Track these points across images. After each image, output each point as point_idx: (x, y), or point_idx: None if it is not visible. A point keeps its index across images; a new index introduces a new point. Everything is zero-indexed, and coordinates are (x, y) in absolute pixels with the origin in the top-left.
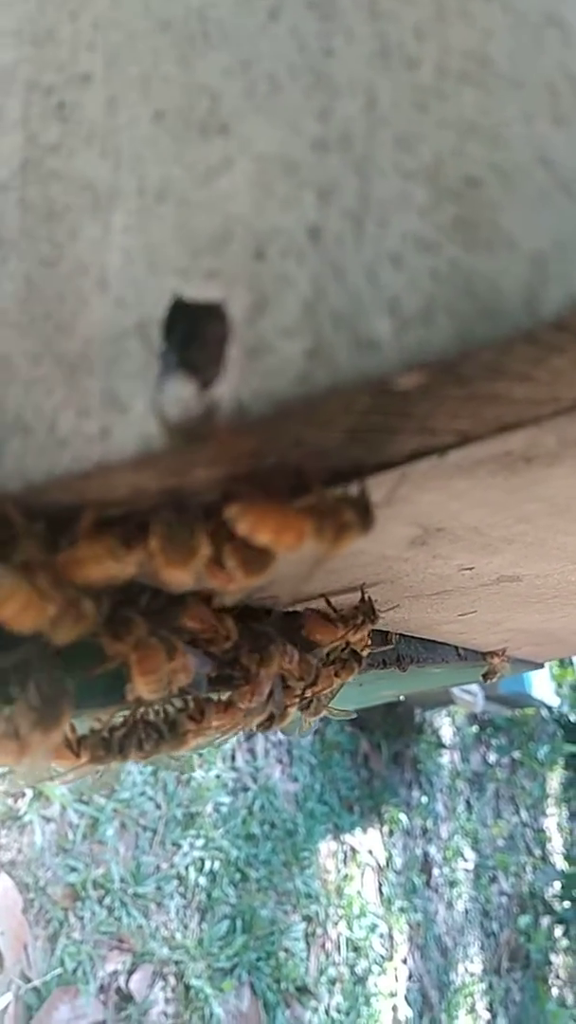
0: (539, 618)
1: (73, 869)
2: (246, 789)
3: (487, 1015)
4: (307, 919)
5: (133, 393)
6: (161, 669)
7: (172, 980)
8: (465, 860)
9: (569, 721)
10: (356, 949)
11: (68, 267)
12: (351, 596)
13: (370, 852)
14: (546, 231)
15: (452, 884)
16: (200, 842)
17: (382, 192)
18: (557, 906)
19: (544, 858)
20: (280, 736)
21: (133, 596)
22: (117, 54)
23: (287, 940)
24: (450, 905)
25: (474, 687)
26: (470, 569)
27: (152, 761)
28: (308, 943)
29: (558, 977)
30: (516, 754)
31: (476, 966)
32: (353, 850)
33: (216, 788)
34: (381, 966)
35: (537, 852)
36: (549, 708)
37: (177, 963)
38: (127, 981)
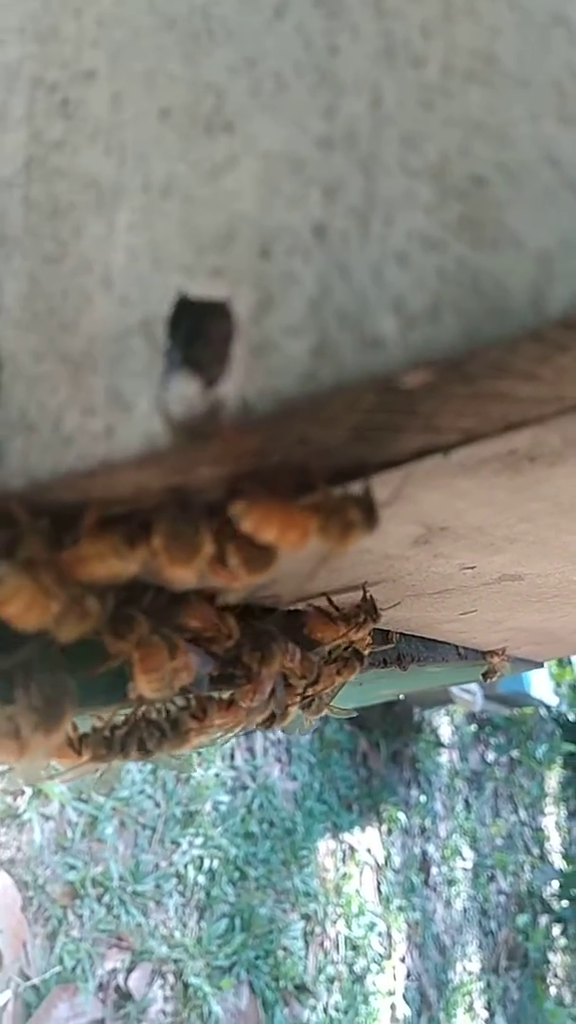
0: (539, 617)
1: (72, 867)
2: (245, 788)
3: (485, 1014)
4: (306, 918)
5: (137, 391)
6: (163, 668)
7: (171, 978)
8: (463, 859)
9: (567, 720)
10: (355, 948)
11: (72, 264)
12: (353, 595)
13: (369, 851)
14: (552, 230)
15: (450, 883)
16: (199, 840)
17: (388, 190)
18: (555, 905)
19: (542, 857)
20: (279, 735)
21: (135, 594)
22: (121, 51)
23: (286, 938)
24: (448, 904)
25: (473, 686)
26: (472, 568)
27: (154, 760)
28: (307, 941)
29: (556, 976)
30: (514, 753)
31: (474, 965)
32: (352, 849)
33: (215, 786)
34: (379, 965)
35: (535, 851)
36: (548, 707)
37: (176, 961)
38: (126, 979)
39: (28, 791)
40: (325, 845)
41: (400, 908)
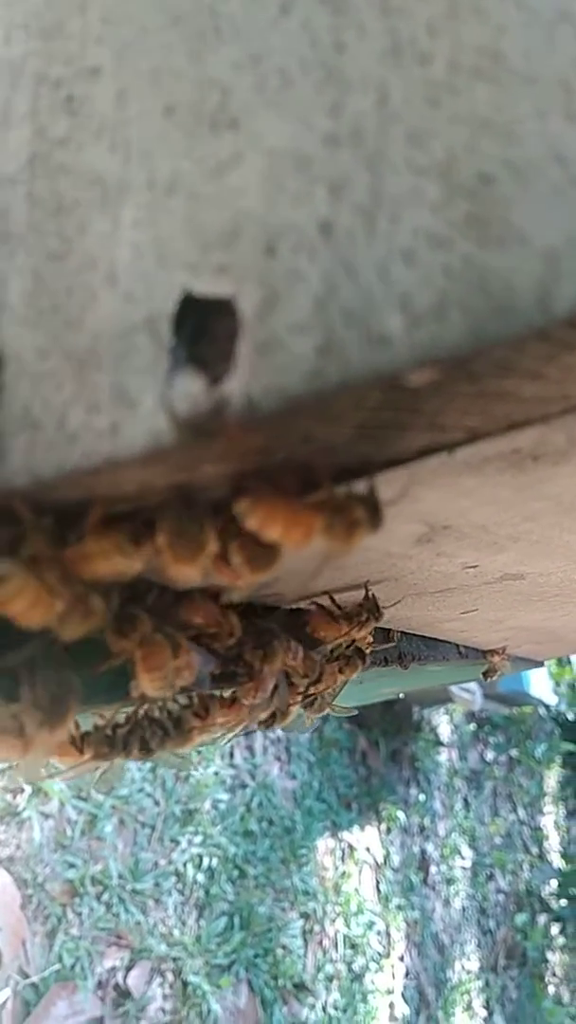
0: (540, 616)
1: (71, 865)
2: (244, 786)
3: (483, 1012)
4: (305, 916)
5: (142, 388)
6: (166, 666)
7: (170, 976)
8: (462, 858)
9: (567, 719)
10: (353, 946)
11: (77, 261)
12: (355, 593)
13: (368, 849)
14: (559, 228)
15: (449, 882)
16: (198, 839)
17: (394, 188)
18: (554, 904)
19: (541, 856)
20: (278, 733)
21: (138, 593)
22: (127, 48)
23: (285, 937)
24: (447, 903)
25: (472, 685)
26: (474, 567)
27: (156, 759)
28: (306, 940)
29: (554, 975)
30: (514, 752)
31: (473, 964)
32: (351, 847)
33: (214, 785)
34: (378, 963)
35: (534, 850)
36: (547, 706)
37: (175, 960)
38: (125, 977)
39: (28, 789)
40: (324, 844)
41: (399, 907)
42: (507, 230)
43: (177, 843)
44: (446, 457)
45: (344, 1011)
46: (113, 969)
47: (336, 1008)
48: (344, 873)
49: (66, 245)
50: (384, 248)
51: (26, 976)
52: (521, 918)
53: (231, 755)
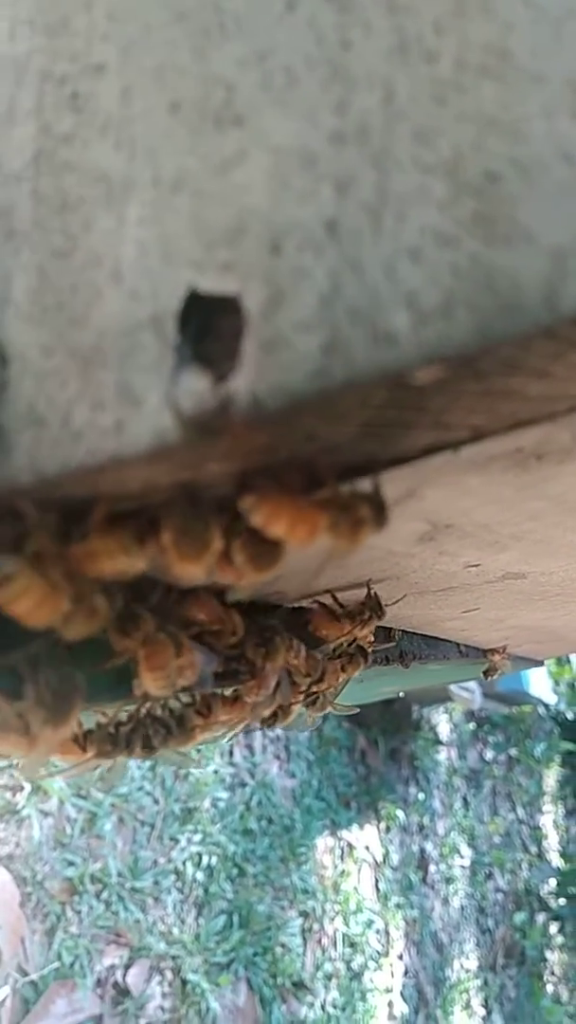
0: (541, 615)
1: (71, 863)
2: (244, 785)
3: (482, 1011)
4: (304, 915)
5: (147, 386)
6: (169, 665)
7: (169, 975)
8: (461, 857)
9: (566, 719)
10: (352, 945)
11: (82, 259)
12: (356, 592)
13: (367, 848)
14: (566, 226)
15: (448, 881)
16: (197, 837)
17: (400, 186)
18: (553, 903)
19: (540, 855)
20: (278, 732)
21: (141, 592)
22: (132, 45)
23: (284, 935)
24: (446, 901)
25: (472, 684)
26: (476, 566)
27: (159, 757)
28: (305, 939)
29: (553, 974)
30: (513, 751)
31: (472, 962)
32: (350, 846)
33: (214, 783)
34: (377, 962)
35: (533, 849)
36: (546, 705)
37: (174, 958)
38: (124, 975)
39: (27, 787)
40: (323, 842)
41: (398, 905)
42: (514, 228)
43: (176, 841)
44: (451, 455)
45: (343, 1009)
46: (112, 967)
47: (335, 1006)
48: (343, 872)
49: (71, 242)
50: (390, 246)
51: (25, 974)
52: (520, 917)
53: (230, 753)
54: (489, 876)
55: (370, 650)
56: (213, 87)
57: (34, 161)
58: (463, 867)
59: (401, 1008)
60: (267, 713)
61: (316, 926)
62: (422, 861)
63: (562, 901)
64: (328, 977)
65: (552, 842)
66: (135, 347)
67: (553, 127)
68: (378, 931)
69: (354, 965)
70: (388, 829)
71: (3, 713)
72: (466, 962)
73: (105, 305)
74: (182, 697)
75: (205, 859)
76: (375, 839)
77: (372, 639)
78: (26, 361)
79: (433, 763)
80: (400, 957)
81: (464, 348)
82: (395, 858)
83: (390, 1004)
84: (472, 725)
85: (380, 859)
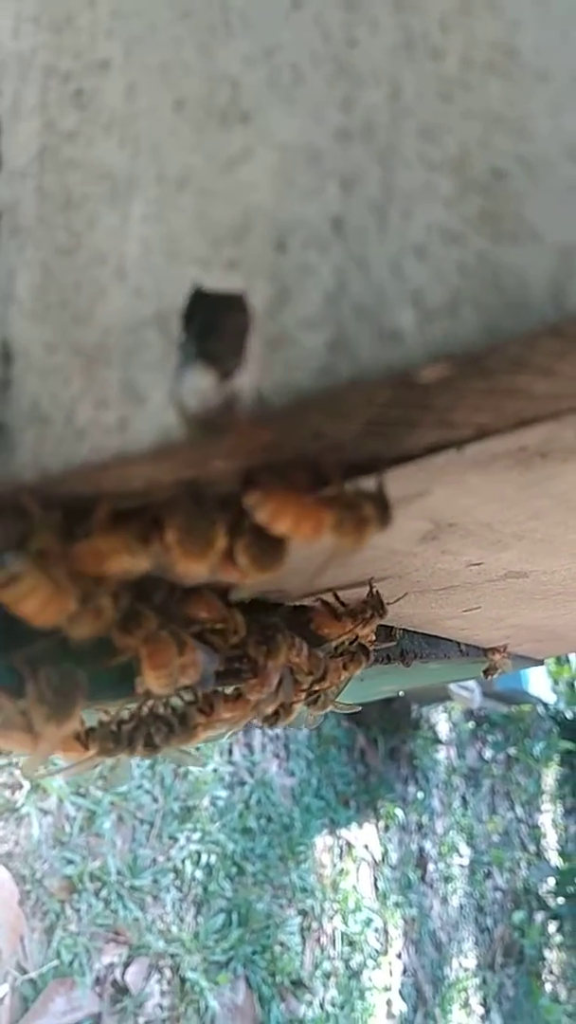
0: (542, 615)
1: (70, 861)
2: (243, 783)
3: (481, 1010)
4: (302, 913)
5: (152, 384)
6: (171, 663)
7: (168, 973)
8: (460, 856)
9: (565, 718)
10: (351, 943)
11: (86, 256)
12: (358, 591)
13: (366, 847)
14: (572, 224)
15: (447, 879)
16: (196, 836)
17: (406, 183)
18: (551, 902)
19: (539, 854)
20: (277, 731)
21: (144, 590)
22: (136, 42)
23: (282, 934)
24: (445, 900)
25: (471, 683)
26: (478, 565)
27: (163, 755)
28: (303, 937)
29: (551, 973)
30: (512, 750)
31: (470, 961)
32: (349, 845)
33: (213, 782)
34: (376, 960)
35: (532, 848)
36: (545, 705)
37: (173, 956)
38: (123, 974)
39: (26, 786)
40: (322, 841)
41: (397, 904)
42: (520, 226)
43: (176, 840)
44: (455, 454)
45: (341, 1008)
46: (111, 965)
47: (334, 1005)
48: (342, 870)
49: (75, 239)
50: (396, 243)
51: (24, 972)
52: (518, 916)
53: (230, 752)
54: (488, 875)
55: (372, 648)
56: (218, 84)
57: (38, 158)
58: (462, 866)
59: (400, 1007)
60: (269, 711)
61: (315, 925)
62: (421, 860)
63: (560, 900)
64: (327, 975)
65: (551, 841)
66: (139, 344)
67: (559, 124)
68: (377, 930)
69: (353, 964)
70: (387, 828)
71: (7, 710)
72: (465, 961)
73: (109, 302)
74: (184, 695)
75: (204, 857)
76: (374, 838)
77: (374, 637)
78: (30, 358)
79: (432, 762)
80: (399, 956)
81: (470, 346)
82: (394, 857)
83: (389, 1003)
84: (471, 724)
85: (379, 858)
